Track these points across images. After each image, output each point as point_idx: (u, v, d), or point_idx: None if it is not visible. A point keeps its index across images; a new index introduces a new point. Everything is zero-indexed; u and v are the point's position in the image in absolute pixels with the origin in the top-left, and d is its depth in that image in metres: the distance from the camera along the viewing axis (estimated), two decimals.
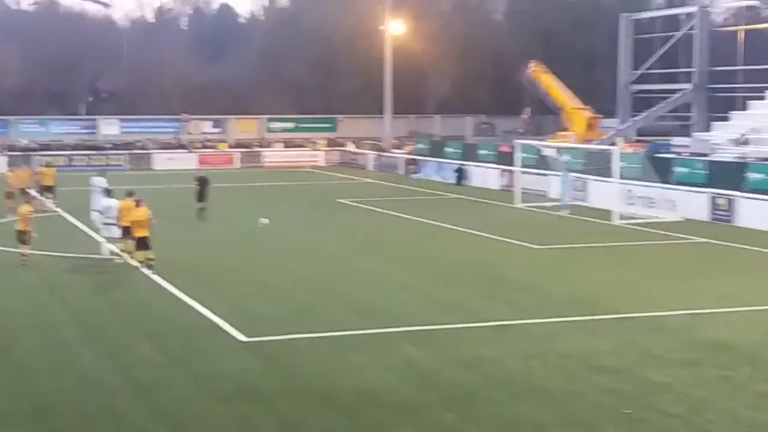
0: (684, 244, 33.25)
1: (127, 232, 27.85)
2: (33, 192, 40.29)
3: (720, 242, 33.09)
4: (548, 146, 51.27)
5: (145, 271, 26.25)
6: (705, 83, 65.77)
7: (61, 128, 71.64)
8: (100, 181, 36.52)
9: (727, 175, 40.25)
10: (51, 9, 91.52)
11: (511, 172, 49.02)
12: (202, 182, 38.30)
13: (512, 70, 70.41)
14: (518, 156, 46.72)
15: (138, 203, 27.04)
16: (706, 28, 66.63)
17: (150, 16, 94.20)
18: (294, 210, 42.48)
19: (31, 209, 28.13)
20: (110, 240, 29.10)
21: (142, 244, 26.52)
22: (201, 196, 38.05)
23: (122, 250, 28.33)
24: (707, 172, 41.35)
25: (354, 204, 44.85)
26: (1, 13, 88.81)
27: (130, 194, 28.55)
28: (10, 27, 79.75)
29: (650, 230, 36.04)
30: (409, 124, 77.35)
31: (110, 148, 68.83)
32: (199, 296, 23.33)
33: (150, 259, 26.46)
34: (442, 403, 15.62)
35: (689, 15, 68.10)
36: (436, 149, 62.37)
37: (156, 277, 25.84)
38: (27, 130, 70.27)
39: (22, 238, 27.47)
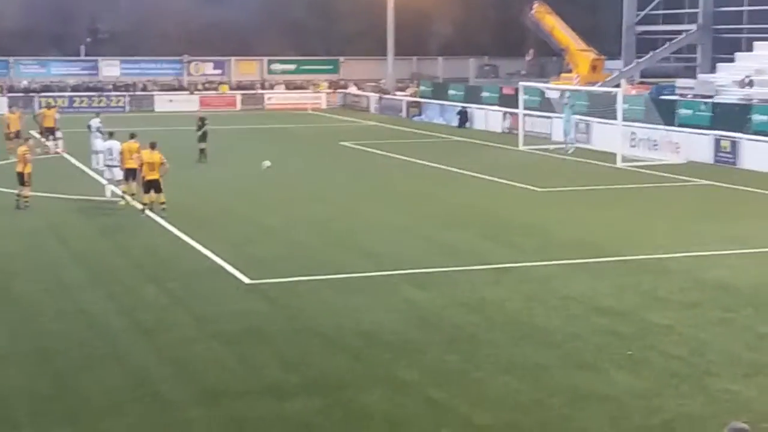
0: (687, 186, 33.22)
1: (129, 174, 27.82)
2: (34, 133, 40.18)
3: (723, 185, 33.05)
4: (552, 88, 50.98)
5: (152, 214, 26.19)
6: (710, 24, 65.19)
7: (62, 69, 71.30)
8: (95, 122, 36.62)
9: (731, 117, 40.09)
10: None
11: (514, 114, 48.83)
12: (203, 123, 38.44)
13: (515, 12, 69.83)
14: (522, 98, 46.50)
15: (153, 146, 26.89)
16: None
17: None
18: (296, 153, 42.40)
19: (26, 149, 27.96)
20: (112, 182, 29.07)
21: (154, 186, 26.46)
22: (202, 136, 38.16)
23: (125, 192, 28.32)
24: (711, 114, 41.17)
25: (356, 147, 44.76)
26: None
27: (132, 136, 28.45)
28: None
29: (653, 173, 35.98)
30: (411, 66, 76.93)
31: (111, 90, 68.60)
32: (203, 239, 23.37)
33: (162, 203, 26.44)
34: (444, 344, 15.69)
35: None
36: (439, 91, 62.10)
37: (159, 220, 25.87)
38: (27, 71, 69.95)
39: (21, 179, 27.44)
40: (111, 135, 29.48)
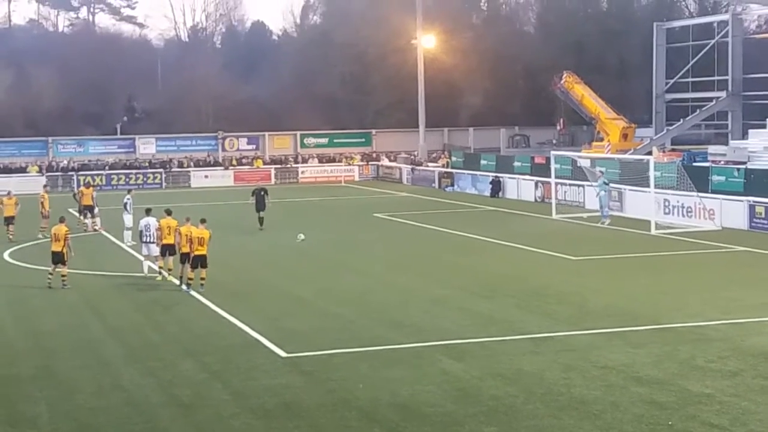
0: (722, 253, 33.03)
1: (167, 249, 28.02)
2: (73, 211, 40.56)
3: (759, 251, 32.84)
4: (583, 156, 51.10)
5: (192, 291, 26.33)
6: (740, 91, 65.37)
7: (99, 148, 72.29)
8: (128, 199, 37.20)
9: (765, 183, 39.94)
10: (87, 30, 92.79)
11: (546, 183, 48.91)
12: (261, 193, 41.28)
13: (545, 82, 70.37)
14: (553, 167, 46.61)
15: (202, 222, 27.12)
16: (739, 36, 66.29)
17: (184, 36, 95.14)
18: (330, 225, 42.61)
19: (67, 229, 28.02)
20: (149, 258, 29.30)
21: (201, 262, 26.61)
22: (259, 205, 40.76)
23: (161, 268, 28.53)
24: (744, 180, 41.05)
25: (390, 218, 44.92)
26: (38, 35, 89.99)
27: (168, 212, 28.72)
28: (47, 48, 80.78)
29: (688, 240, 35.83)
30: (442, 137, 77.42)
31: (147, 167, 69.43)
32: (238, 313, 23.48)
33: (202, 279, 26.60)
34: (482, 416, 15.60)
35: (722, 23, 67.78)
36: (471, 162, 62.38)
37: (196, 294, 26.02)
38: (65, 150, 70.95)
39: (59, 258, 27.41)
40: (148, 212, 29.76)
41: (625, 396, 16.46)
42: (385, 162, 72.47)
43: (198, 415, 16.08)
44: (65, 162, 68.79)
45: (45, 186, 50.78)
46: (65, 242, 27.31)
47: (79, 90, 76.67)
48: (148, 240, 28.93)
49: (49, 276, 27.51)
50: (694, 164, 48.08)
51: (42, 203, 39.71)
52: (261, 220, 40.56)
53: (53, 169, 67.57)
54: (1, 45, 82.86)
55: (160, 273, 28.49)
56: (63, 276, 27.39)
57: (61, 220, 28.27)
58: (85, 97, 77.08)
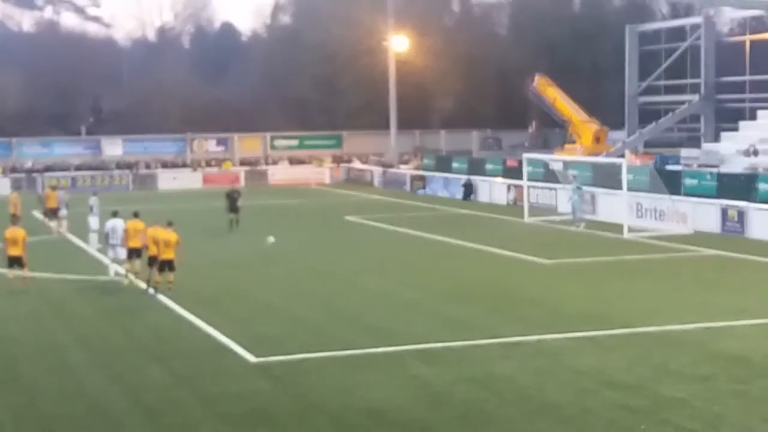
0: (695, 257, 33.01)
1: (133, 252, 27.65)
2: (37, 214, 40.08)
3: (732, 254, 32.84)
4: (556, 159, 51.06)
5: (159, 295, 25.94)
6: (712, 94, 65.63)
7: (64, 149, 71.52)
8: (93, 201, 36.87)
9: (738, 186, 40.03)
10: (52, 30, 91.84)
11: (518, 186, 48.81)
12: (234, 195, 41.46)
13: (517, 84, 70.36)
14: (525, 170, 46.51)
15: (169, 225, 26.72)
16: (712, 39, 66.53)
17: (151, 36, 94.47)
18: (301, 228, 42.34)
19: (24, 233, 27.35)
20: (116, 261, 28.90)
21: (168, 265, 26.22)
22: (232, 207, 40.89)
23: (128, 271, 28.15)
24: (717, 183, 41.11)
25: (361, 221, 44.67)
26: (1, 35, 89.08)
27: (135, 215, 28.35)
28: (11, 48, 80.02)
29: (661, 243, 35.80)
30: (414, 140, 77.25)
31: (114, 168, 68.81)
32: (207, 317, 23.15)
33: (170, 282, 26.21)
34: (454, 421, 15.40)
35: (694, 26, 67.99)
36: (443, 164, 62.25)
37: (163, 299, 25.65)
38: (29, 151, 70.15)
39: (17, 261, 26.76)
40: (115, 214, 29.32)
41: (598, 400, 16.30)
42: (357, 164, 72.23)
43: (165, 421, 15.76)
44: (29, 163, 68.03)
45: (19, 188, 49.90)
46: (23, 245, 26.68)
47: (44, 90, 75.95)
48: (114, 243, 28.52)
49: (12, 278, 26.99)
50: (667, 167, 48.11)
51: (14, 204, 39.20)
52: (234, 222, 40.65)
53: (17, 171, 66.81)
54: None
55: (126, 276, 28.10)
56: (24, 278, 26.80)
57: (14, 222, 27.86)
58: (50, 98, 76.37)
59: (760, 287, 26.72)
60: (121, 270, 28.54)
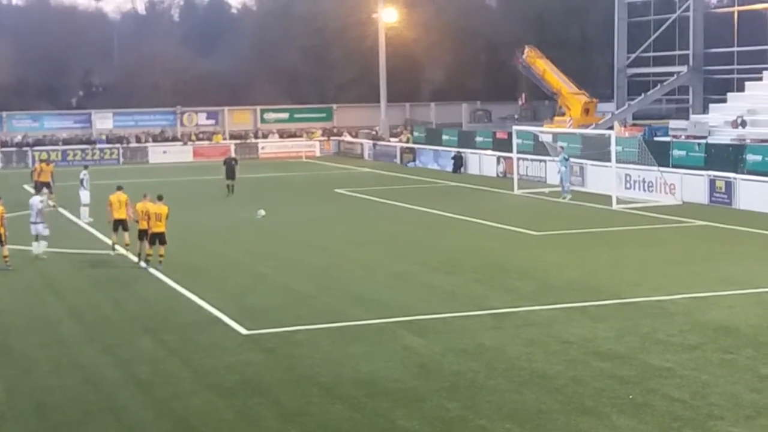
0: (683, 227, 33.18)
1: (118, 224, 27.80)
2: (27, 187, 40.07)
3: (719, 225, 33.03)
4: (545, 131, 51.14)
5: (152, 269, 26.00)
6: (701, 65, 65.67)
7: (55, 123, 71.23)
8: (84, 175, 36.92)
9: (725, 158, 40.17)
10: (42, 3, 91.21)
11: (508, 158, 48.90)
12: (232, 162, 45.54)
13: (507, 56, 70.27)
14: (515, 142, 46.59)
15: (160, 198, 26.74)
16: (700, 10, 66.47)
17: (141, 9, 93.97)
18: (291, 201, 42.39)
19: (3, 209, 26.87)
20: (41, 238, 28.42)
21: (159, 239, 26.25)
22: (230, 173, 44.35)
23: (115, 243, 28.26)
24: (705, 154, 41.26)
25: (351, 194, 44.75)
26: None
27: (119, 188, 28.50)
28: (1, 22, 79.43)
29: (649, 214, 35.96)
30: (404, 113, 77.19)
31: (104, 142, 68.62)
32: (198, 290, 23.27)
33: (161, 255, 26.29)
34: (444, 392, 15.55)
35: None
36: (432, 137, 62.25)
37: (154, 271, 25.75)
38: (20, 125, 69.89)
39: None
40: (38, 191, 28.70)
41: (587, 370, 16.46)
42: (347, 137, 72.18)
43: (157, 393, 15.89)
44: (19, 137, 67.80)
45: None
46: (1, 222, 26.31)
47: (34, 64, 75.45)
48: (34, 221, 28.27)
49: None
50: (655, 139, 48.22)
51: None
52: (231, 188, 43.71)
53: (7, 145, 66.60)
54: None
55: (113, 248, 28.23)
56: (5, 256, 26.54)
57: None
58: (40, 72, 75.93)
59: (748, 257, 26.90)
60: (41, 249, 28.15)
